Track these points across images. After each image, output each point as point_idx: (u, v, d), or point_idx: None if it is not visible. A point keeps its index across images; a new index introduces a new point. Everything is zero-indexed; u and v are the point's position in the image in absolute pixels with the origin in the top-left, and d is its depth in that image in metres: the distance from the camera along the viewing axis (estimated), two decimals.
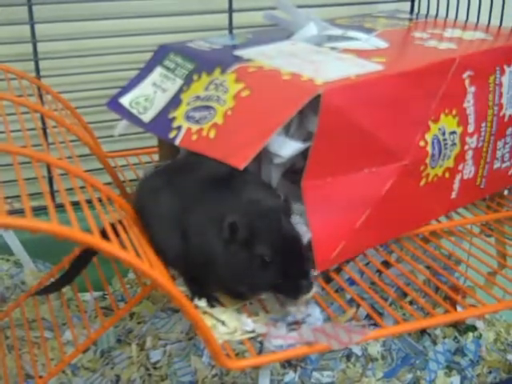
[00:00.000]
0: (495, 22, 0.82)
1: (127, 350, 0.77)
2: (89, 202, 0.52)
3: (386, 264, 0.69)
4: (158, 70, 0.64)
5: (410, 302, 0.84)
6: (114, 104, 0.65)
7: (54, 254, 0.74)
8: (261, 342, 0.51)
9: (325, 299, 0.62)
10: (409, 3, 0.98)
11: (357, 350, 0.81)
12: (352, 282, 0.74)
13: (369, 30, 0.70)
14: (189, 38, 0.70)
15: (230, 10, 0.91)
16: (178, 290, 0.43)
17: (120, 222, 0.55)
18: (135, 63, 0.87)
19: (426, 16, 0.87)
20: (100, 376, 0.74)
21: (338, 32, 0.66)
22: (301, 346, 0.49)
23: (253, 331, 0.51)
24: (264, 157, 0.58)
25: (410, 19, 0.81)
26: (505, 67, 0.67)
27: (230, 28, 0.91)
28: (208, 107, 0.56)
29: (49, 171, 0.87)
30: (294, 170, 0.61)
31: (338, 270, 0.65)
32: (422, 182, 0.63)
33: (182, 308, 0.43)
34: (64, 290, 0.80)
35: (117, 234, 0.49)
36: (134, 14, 0.89)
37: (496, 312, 0.72)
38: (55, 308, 0.79)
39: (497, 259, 0.68)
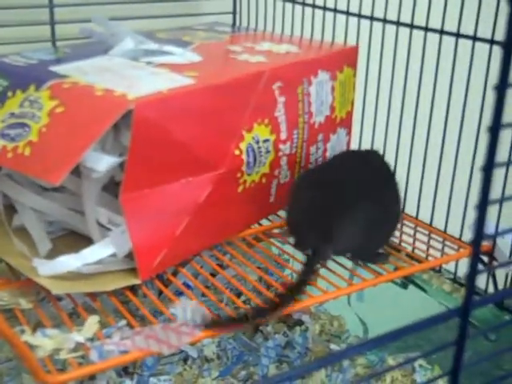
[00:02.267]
0: (307, 34, 0.88)
1: None
2: None
3: (222, 265, 0.72)
4: None
5: (246, 301, 0.88)
6: None
7: None
8: (83, 357, 0.52)
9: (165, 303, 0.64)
10: (231, 16, 1.02)
11: (193, 353, 0.83)
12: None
13: (185, 44, 0.73)
14: (11, 50, 0.69)
15: (52, 22, 0.90)
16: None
17: None
18: None
19: (247, 29, 0.92)
20: None
21: (154, 46, 0.68)
22: (123, 354, 0.51)
23: (78, 350, 0.52)
24: (83, 171, 0.59)
25: (230, 32, 0.85)
26: (312, 78, 0.73)
27: (53, 40, 0.91)
28: (23, 124, 0.56)
29: None
30: (115, 183, 0.62)
31: (176, 273, 0.68)
32: (240, 189, 0.67)
33: None
34: None
35: None
36: None
37: (320, 304, 0.77)
38: None
39: None
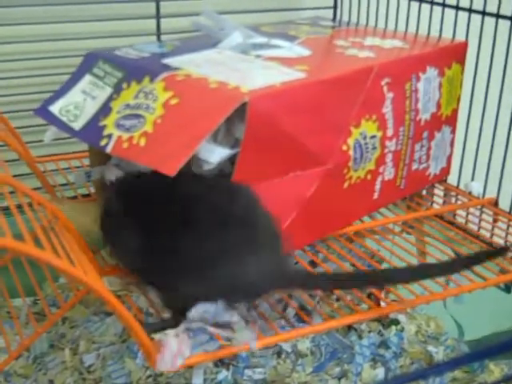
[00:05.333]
0: (412, 29, 0.86)
1: (60, 355, 0.77)
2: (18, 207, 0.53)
3: (313, 264, 0.72)
4: (87, 78, 0.65)
5: (337, 300, 0.88)
6: (42, 111, 0.65)
7: None
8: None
9: None
10: (331, 10, 1.02)
11: (287, 347, 0.83)
12: None
13: (292, 38, 0.73)
14: (117, 43, 0.71)
15: (158, 16, 0.92)
16: (112, 295, 0.44)
17: (52, 228, 0.56)
18: (62, 67, 0.88)
19: (348, 23, 0.91)
20: (33, 382, 0.74)
21: (262, 40, 0.68)
22: (229, 345, 0.51)
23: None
24: (194, 163, 0.60)
25: (333, 27, 0.84)
26: (420, 74, 0.71)
27: (158, 34, 0.93)
28: (138, 115, 0.58)
29: None
30: (221, 175, 0.63)
31: None
32: (346, 185, 0.66)
33: (116, 312, 0.44)
34: None
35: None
36: (62, 19, 0.89)
37: (415, 306, 0.76)
38: None
39: (416, 256, 0.72)
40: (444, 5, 0.81)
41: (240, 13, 0.96)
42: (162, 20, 0.93)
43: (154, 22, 0.92)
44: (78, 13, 0.91)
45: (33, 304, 0.85)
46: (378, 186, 0.71)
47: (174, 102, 0.57)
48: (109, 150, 0.57)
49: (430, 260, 0.72)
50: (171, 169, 0.52)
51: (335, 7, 1.02)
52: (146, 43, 0.70)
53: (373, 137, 0.67)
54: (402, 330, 0.87)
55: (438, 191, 0.84)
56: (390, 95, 0.68)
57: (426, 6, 0.84)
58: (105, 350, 0.78)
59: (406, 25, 0.87)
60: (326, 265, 0.69)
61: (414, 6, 0.86)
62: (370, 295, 0.81)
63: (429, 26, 0.84)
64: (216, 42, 0.69)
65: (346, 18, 1.00)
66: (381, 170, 0.70)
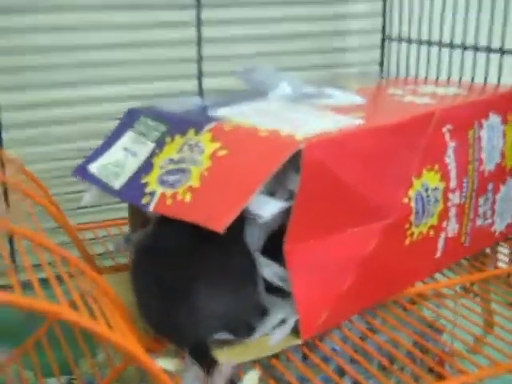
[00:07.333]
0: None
1: None
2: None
3: (372, 329, 0.66)
4: (129, 134, 0.61)
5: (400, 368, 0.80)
6: (81, 172, 0.61)
7: (15, 335, 0.69)
8: None
9: (311, 370, 0.58)
10: (377, 67, 0.98)
11: None
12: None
13: (343, 88, 0.69)
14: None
15: (200, 75, 0.89)
16: (156, 364, 0.39)
17: (91, 295, 0.51)
18: (103, 131, 0.85)
19: (398, 77, 0.87)
20: None
21: (313, 89, 0.65)
22: None
23: None
24: (246, 217, 0.55)
25: (383, 79, 0.80)
26: (483, 121, 0.66)
27: (200, 93, 0.90)
28: (182, 170, 0.53)
29: (11, 245, 0.82)
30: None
31: (321, 337, 0.62)
32: (407, 241, 0.61)
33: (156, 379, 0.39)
34: (26, 375, 0.74)
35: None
36: (99, 81, 0.87)
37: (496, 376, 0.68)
38: None
39: (484, 320, 0.65)
40: (503, 51, 0.76)
41: (284, 69, 0.93)
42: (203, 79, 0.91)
43: (194, 81, 0.90)
44: (114, 73, 0.89)
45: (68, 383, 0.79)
46: (441, 244, 0.65)
47: (221, 153, 0.52)
48: (151, 208, 0.53)
49: (498, 320, 0.65)
50: (219, 225, 0.47)
51: (382, 64, 0.98)
52: (190, 97, 0.67)
53: (435, 189, 0.62)
54: None
55: (504, 249, 0.78)
56: (452, 143, 0.63)
57: (480, 55, 0.80)
58: None
59: (460, 74, 0.83)
60: (386, 328, 0.63)
61: (469, 55, 0.82)
62: (430, 370, 0.74)
63: (485, 74, 0.79)
64: (263, 93, 0.66)
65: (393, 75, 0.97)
66: (444, 225, 0.65)
